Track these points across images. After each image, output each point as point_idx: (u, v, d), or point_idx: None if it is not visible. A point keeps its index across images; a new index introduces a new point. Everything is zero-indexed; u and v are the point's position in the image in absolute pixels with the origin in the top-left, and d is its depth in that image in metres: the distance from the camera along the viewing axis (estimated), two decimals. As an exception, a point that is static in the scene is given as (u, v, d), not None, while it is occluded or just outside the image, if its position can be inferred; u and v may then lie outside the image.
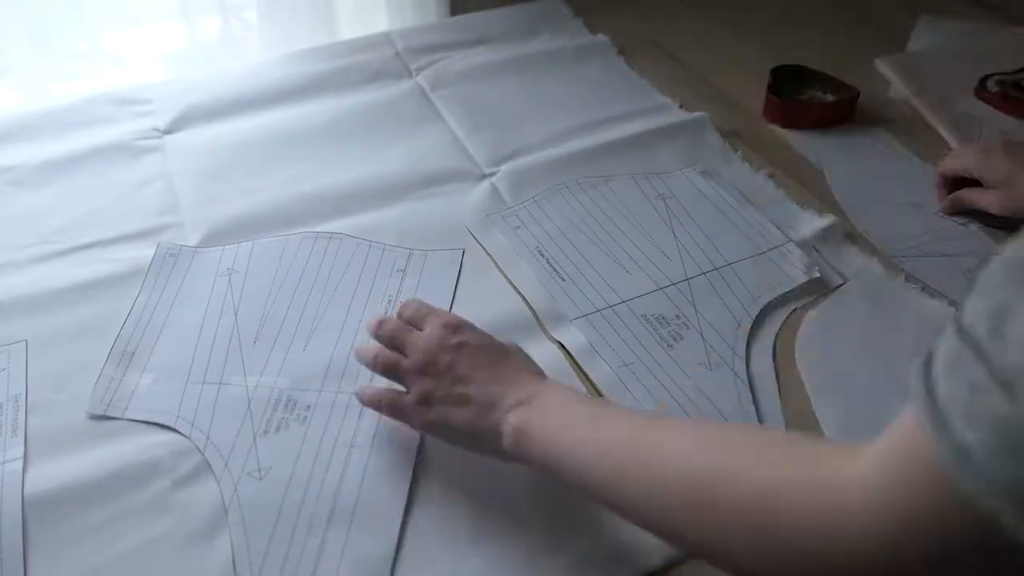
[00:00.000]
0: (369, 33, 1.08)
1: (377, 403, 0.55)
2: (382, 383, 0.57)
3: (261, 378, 0.61)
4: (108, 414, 0.59)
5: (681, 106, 0.93)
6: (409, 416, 0.54)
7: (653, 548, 0.50)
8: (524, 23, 1.10)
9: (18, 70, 1.01)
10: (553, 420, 0.48)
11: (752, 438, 0.43)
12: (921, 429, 0.30)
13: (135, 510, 0.53)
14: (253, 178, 0.82)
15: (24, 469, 0.55)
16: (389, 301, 0.68)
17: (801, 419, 0.59)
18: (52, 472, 0.55)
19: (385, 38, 1.06)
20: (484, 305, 0.68)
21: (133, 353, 0.63)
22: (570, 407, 0.49)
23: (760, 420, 0.59)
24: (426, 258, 0.72)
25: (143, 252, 0.73)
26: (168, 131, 0.89)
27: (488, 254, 0.73)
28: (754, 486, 0.38)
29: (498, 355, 0.53)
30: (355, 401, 0.59)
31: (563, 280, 0.70)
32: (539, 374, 0.54)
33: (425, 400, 0.52)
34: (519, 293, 0.69)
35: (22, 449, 0.56)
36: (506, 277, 0.71)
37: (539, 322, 0.67)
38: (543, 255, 0.72)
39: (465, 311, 0.67)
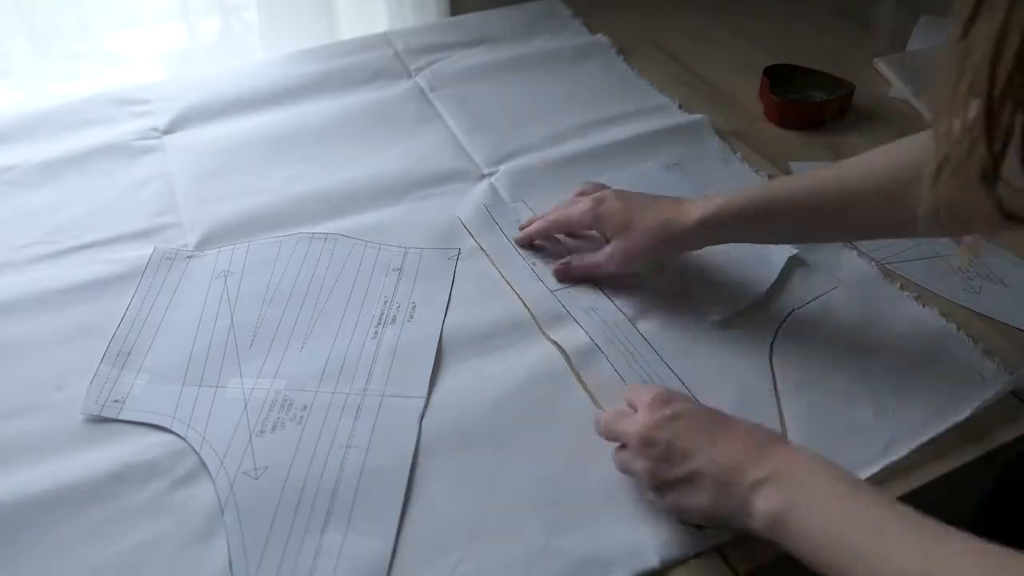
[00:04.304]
0: (369, 33, 1.08)
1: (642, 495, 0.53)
2: (378, 382, 0.57)
3: (257, 379, 0.61)
4: (103, 415, 0.59)
5: (680, 106, 0.93)
6: (652, 503, 0.52)
7: (651, 549, 0.50)
8: (523, 23, 1.10)
9: (18, 70, 1.01)
10: (818, 516, 0.44)
11: None
12: None
13: (132, 511, 0.53)
14: (252, 178, 0.82)
15: None
16: (385, 301, 0.68)
17: (797, 419, 0.59)
18: (50, 472, 0.55)
19: (384, 38, 1.06)
20: (481, 305, 0.68)
21: (128, 354, 0.63)
22: (837, 499, 0.44)
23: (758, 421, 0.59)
24: (421, 257, 0.72)
25: (141, 252, 0.73)
26: (167, 131, 0.89)
27: (486, 254, 0.73)
28: None
29: (721, 424, 0.50)
30: (352, 402, 0.59)
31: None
32: (772, 436, 0.50)
33: (656, 485, 0.50)
34: (516, 293, 0.69)
35: None
36: (503, 277, 0.71)
37: (536, 322, 0.66)
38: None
39: (462, 311, 0.67)
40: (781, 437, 0.51)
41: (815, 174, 0.63)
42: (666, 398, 0.52)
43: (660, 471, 0.49)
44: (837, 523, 0.43)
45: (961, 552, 0.39)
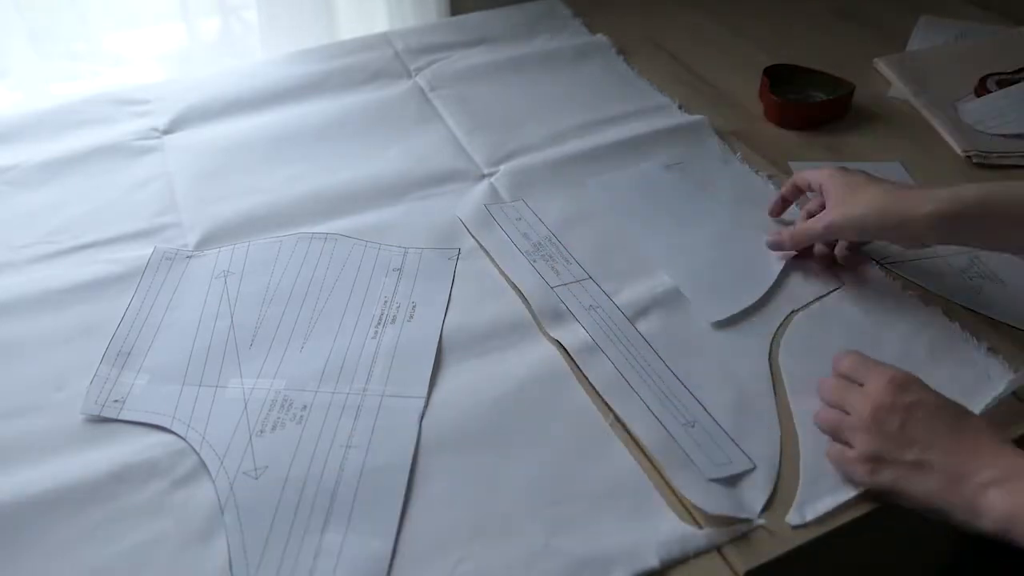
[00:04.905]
0: (369, 33, 1.08)
1: (828, 455, 0.54)
2: (378, 382, 0.57)
3: (257, 379, 0.61)
4: (103, 415, 0.59)
5: (680, 106, 0.93)
6: (852, 471, 0.52)
7: (651, 549, 0.50)
8: (524, 23, 1.10)
9: (18, 70, 1.01)
10: None
11: None
12: None
13: (132, 511, 0.53)
14: (252, 178, 0.82)
15: None
16: (385, 301, 0.68)
17: (797, 419, 0.59)
18: (50, 472, 0.55)
19: (384, 38, 1.06)
20: (481, 305, 0.68)
21: (128, 354, 0.63)
22: None
23: (757, 421, 0.59)
24: (421, 257, 0.72)
25: (141, 252, 0.73)
26: (167, 131, 0.89)
27: (486, 253, 0.73)
28: None
29: (958, 418, 0.51)
30: (352, 401, 0.59)
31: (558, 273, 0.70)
32: (1011, 445, 0.49)
33: (874, 459, 0.51)
34: (517, 292, 0.69)
35: None
36: (504, 276, 0.71)
37: (537, 321, 0.66)
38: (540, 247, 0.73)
39: (461, 311, 0.67)
40: (1011, 439, 0.51)
41: None
42: (905, 383, 0.52)
43: (886, 450, 0.50)
44: None
45: None
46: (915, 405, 0.51)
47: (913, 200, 0.61)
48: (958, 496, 0.47)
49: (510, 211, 0.77)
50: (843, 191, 0.65)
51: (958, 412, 0.51)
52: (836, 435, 0.55)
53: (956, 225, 0.60)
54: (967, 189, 0.61)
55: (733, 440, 0.57)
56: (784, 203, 0.76)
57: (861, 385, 0.54)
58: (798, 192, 0.74)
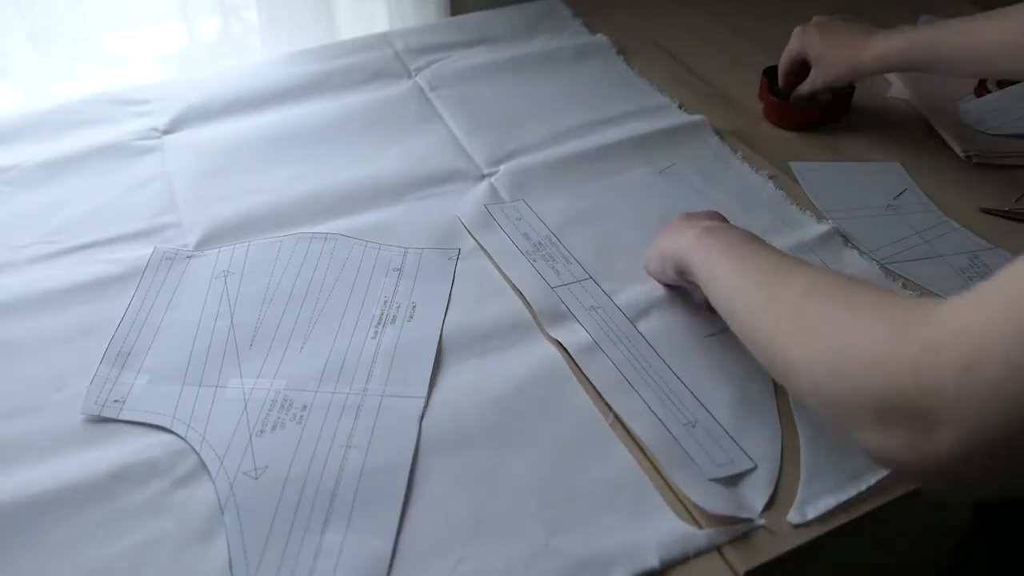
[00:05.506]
0: (369, 33, 1.08)
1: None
2: (378, 382, 0.56)
3: (257, 379, 0.61)
4: (103, 415, 0.59)
5: (680, 106, 0.93)
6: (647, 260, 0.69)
7: (651, 549, 0.50)
8: (524, 23, 1.10)
9: (18, 70, 1.01)
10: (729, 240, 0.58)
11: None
12: None
13: (132, 511, 0.53)
14: (252, 178, 0.82)
15: None
16: (385, 301, 0.68)
17: (798, 418, 0.59)
18: (50, 472, 0.55)
19: (384, 38, 1.06)
20: (481, 305, 0.68)
21: (128, 354, 0.63)
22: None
23: (758, 421, 0.59)
24: (421, 257, 0.72)
25: (141, 252, 0.73)
26: (167, 131, 0.89)
27: (486, 253, 0.73)
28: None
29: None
30: (352, 401, 0.59)
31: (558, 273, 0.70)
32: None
33: (668, 240, 0.64)
34: (517, 292, 0.69)
35: None
36: (504, 276, 0.71)
37: (537, 321, 0.66)
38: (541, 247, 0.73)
39: (461, 311, 0.67)
40: None
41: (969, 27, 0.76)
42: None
43: (679, 227, 0.63)
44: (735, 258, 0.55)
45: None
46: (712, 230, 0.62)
47: (862, 44, 0.82)
48: (681, 233, 0.62)
49: (510, 211, 0.77)
50: (815, 57, 0.86)
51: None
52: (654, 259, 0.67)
53: (897, 68, 0.85)
54: (909, 39, 0.80)
55: (734, 439, 0.57)
56: (789, 79, 0.90)
57: None
58: (797, 63, 0.89)
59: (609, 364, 0.62)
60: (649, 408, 0.59)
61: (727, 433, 0.57)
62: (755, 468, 0.55)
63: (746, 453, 0.56)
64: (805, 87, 0.88)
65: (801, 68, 0.89)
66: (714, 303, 0.56)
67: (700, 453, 0.56)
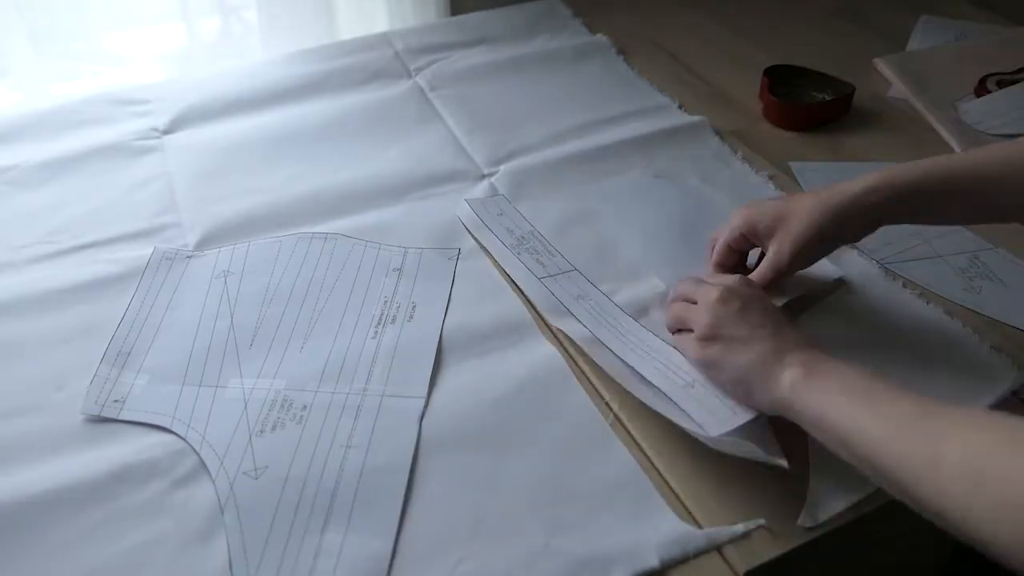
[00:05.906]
0: (369, 33, 1.08)
1: (677, 343, 0.61)
2: (378, 382, 0.56)
3: (257, 379, 0.61)
4: (103, 415, 0.59)
5: (681, 106, 0.93)
6: (687, 348, 0.59)
7: (651, 549, 0.50)
8: (524, 23, 1.10)
9: (18, 70, 1.01)
10: (835, 383, 0.50)
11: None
12: None
13: (132, 511, 0.53)
14: (252, 178, 0.82)
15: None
16: (385, 301, 0.68)
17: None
18: (50, 472, 0.55)
19: (384, 38, 1.06)
20: (481, 305, 0.68)
21: (128, 354, 0.63)
22: (857, 379, 0.50)
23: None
24: (421, 257, 0.72)
25: (141, 252, 0.73)
26: (167, 131, 0.89)
27: (486, 252, 0.73)
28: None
29: (783, 316, 0.57)
30: (352, 401, 0.59)
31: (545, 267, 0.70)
32: (822, 348, 0.54)
33: (710, 334, 0.56)
34: (517, 292, 0.69)
35: None
36: (505, 275, 0.71)
37: (539, 316, 0.66)
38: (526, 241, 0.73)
39: (461, 311, 0.67)
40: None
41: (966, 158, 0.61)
42: (747, 282, 0.59)
43: (722, 326, 0.56)
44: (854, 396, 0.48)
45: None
46: (754, 298, 0.57)
47: (839, 189, 0.61)
48: (766, 369, 0.52)
49: (491, 206, 0.77)
50: (771, 224, 0.62)
51: (784, 317, 0.57)
52: (682, 323, 0.60)
53: (900, 200, 0.59)
54: (891, 171, 0.60)
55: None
56: (731, 253, 0.67)
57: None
58: (743, 240, 0.65)
59: (605, 348, 0.62)
60: (644, 378, 0.59)
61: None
62: (759, 417, 0.55)
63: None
64: (766, 271, 0.62)
65: (742, 251, 0.68)
66: (834, 450, 0.49)
67: (701, 411, 0.55)
